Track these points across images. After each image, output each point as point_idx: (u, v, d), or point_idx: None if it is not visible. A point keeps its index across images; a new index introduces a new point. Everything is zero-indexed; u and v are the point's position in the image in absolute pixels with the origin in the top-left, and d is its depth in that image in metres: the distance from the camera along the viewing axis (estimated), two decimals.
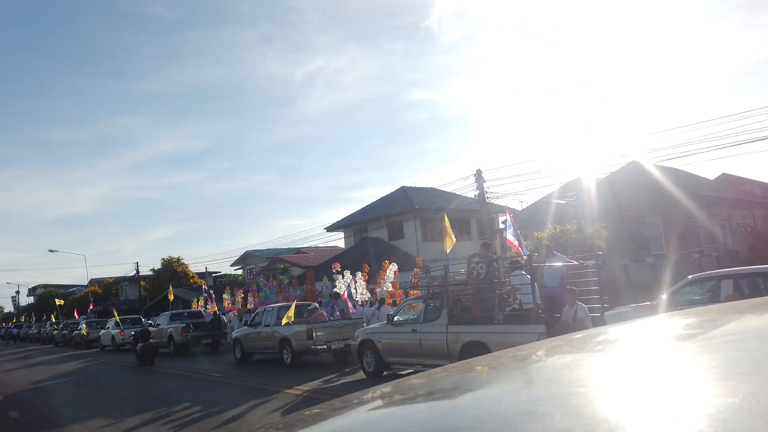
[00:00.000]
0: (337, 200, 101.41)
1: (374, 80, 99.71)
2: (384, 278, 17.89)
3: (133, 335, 19.69)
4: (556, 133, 75.60)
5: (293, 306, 15.17)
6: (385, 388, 1.37)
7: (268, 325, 16.55)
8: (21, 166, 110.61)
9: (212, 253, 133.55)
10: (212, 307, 26.08)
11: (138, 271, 49.70)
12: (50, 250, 56.33)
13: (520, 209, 33.38)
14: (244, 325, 24.63)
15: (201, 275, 66.21)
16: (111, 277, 75.14)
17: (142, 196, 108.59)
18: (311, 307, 16.54)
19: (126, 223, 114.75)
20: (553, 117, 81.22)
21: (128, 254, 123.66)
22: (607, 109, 74.15)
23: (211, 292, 28.05)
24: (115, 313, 28.29)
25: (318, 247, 40.93)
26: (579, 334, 1.72)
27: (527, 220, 26.35)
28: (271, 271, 38.94)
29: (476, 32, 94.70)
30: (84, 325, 33.63)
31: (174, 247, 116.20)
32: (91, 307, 43.15)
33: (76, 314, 44.09)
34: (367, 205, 35.29)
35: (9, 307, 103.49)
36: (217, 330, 22.94)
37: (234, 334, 18.58)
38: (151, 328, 24.45)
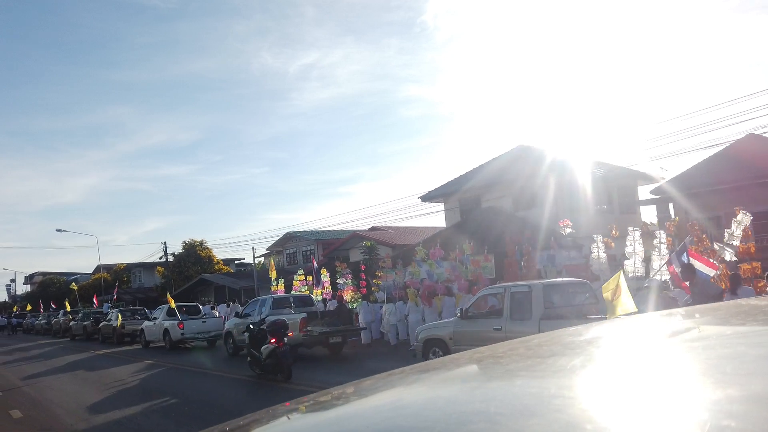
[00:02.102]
0: (329, 195, 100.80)
1: (368, 75, 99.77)
2: (730, 234, 10.38)
3: (250, 328, 12.29)
4: (550, 128, 73.49)
5: (618, 281, 7.88)
6: (342, 389, 1.32)
7: (526, 319, 9.30)
8: (8, 155, 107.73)
9: (236, 235, 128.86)
10: (342, 292, 18.49)
11: (166, 253, 42.24)
12: (58, 230, 48.78)
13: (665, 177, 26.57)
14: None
15: (226, 262, 59.09)
16: (121, 263, 67.65)
17: (132, 188, 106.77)
18: (657, 284, 9.07)
19: (115, 215, 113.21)
20: (547, 113, 79.14)
21: (118, 246, 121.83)
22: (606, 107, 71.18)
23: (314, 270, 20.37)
24: (171, 300, 20.92)
25: (383, 227, 33.73)
26: (537, 338, 1.65)
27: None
28: (341, 251, 31.75)
29: (472, 29, 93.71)
30: (119, 315, 26.27)
31: (165, 239, 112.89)
32: (114, 294, 35.62)
33: (95, 302, 36.67)
34: (475, 169, 28.02)
35: (2, 296, 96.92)
36: (347, 323, 15.70)
37: (427, 332, 11.28)
38: (239, 320, 17.17)
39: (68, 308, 36.14)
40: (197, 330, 20.66)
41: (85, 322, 31.89)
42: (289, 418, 1.18)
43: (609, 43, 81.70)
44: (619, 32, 79.99)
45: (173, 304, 20.88)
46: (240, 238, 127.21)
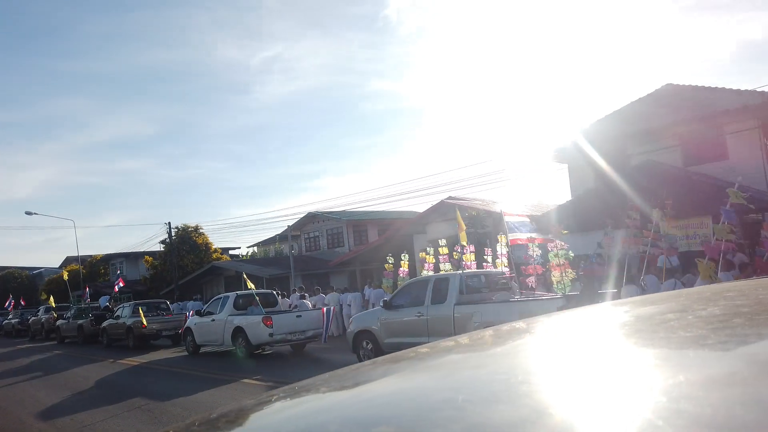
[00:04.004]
0: (294, 189, 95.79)
1: (333, 69, 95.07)
2: None
3: None
4: (513, 124, 71.28)
5: None
6: (311, 381, 1.30)
7: None
8: None
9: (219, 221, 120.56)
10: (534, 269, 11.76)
11: (170, 235, 34.61)
12: (27, 213, 40.31)
13: None
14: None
15: (224, 250, 51.71)
16: (97, 254, 59.13)
17: (89, 182, 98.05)
18: None
19: (72, 210, 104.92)
20: (511, 109, 77.37)
21: (72, 242, 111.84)
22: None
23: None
24: (247, 280, 13.91)
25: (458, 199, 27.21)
26: (507, 325, 1.65)
27: None
28: (416, 226, 25.06)
29: (435, 23, 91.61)
30: (140, 311, 18.99)
31: (126, 234, 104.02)
32: (120, 285, 27.97)
33: (87, 294, 28.95)
34: (607, 116, 21.65)
35: None
36: None
37: None
38: (390, 312, 10.42)
39: (52, 303, 28.30)
40: (290, 329, 13.79)
41: (80, 321, 24.37)
42: (256, 412, 1.13)
43: (576, 29, 79.90)
44: (589, 21, 78.15)
45: (251, 284, 13.87)
46: (230, 222, 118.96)
